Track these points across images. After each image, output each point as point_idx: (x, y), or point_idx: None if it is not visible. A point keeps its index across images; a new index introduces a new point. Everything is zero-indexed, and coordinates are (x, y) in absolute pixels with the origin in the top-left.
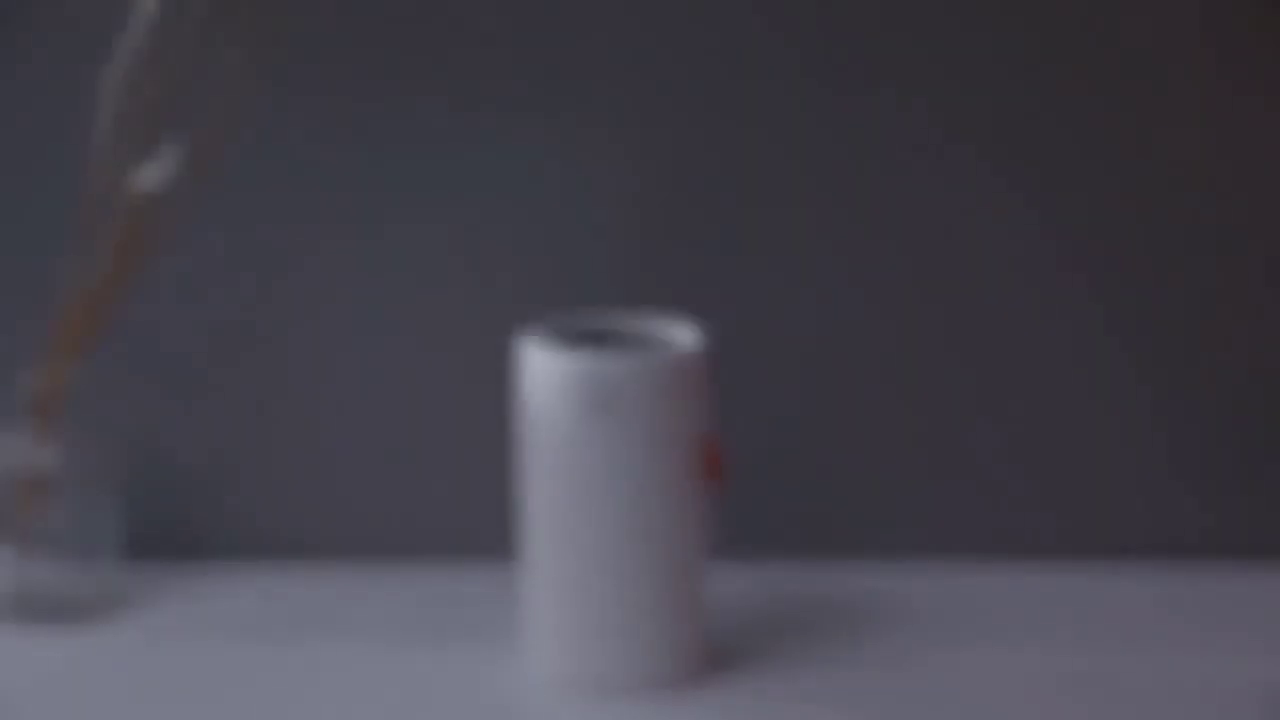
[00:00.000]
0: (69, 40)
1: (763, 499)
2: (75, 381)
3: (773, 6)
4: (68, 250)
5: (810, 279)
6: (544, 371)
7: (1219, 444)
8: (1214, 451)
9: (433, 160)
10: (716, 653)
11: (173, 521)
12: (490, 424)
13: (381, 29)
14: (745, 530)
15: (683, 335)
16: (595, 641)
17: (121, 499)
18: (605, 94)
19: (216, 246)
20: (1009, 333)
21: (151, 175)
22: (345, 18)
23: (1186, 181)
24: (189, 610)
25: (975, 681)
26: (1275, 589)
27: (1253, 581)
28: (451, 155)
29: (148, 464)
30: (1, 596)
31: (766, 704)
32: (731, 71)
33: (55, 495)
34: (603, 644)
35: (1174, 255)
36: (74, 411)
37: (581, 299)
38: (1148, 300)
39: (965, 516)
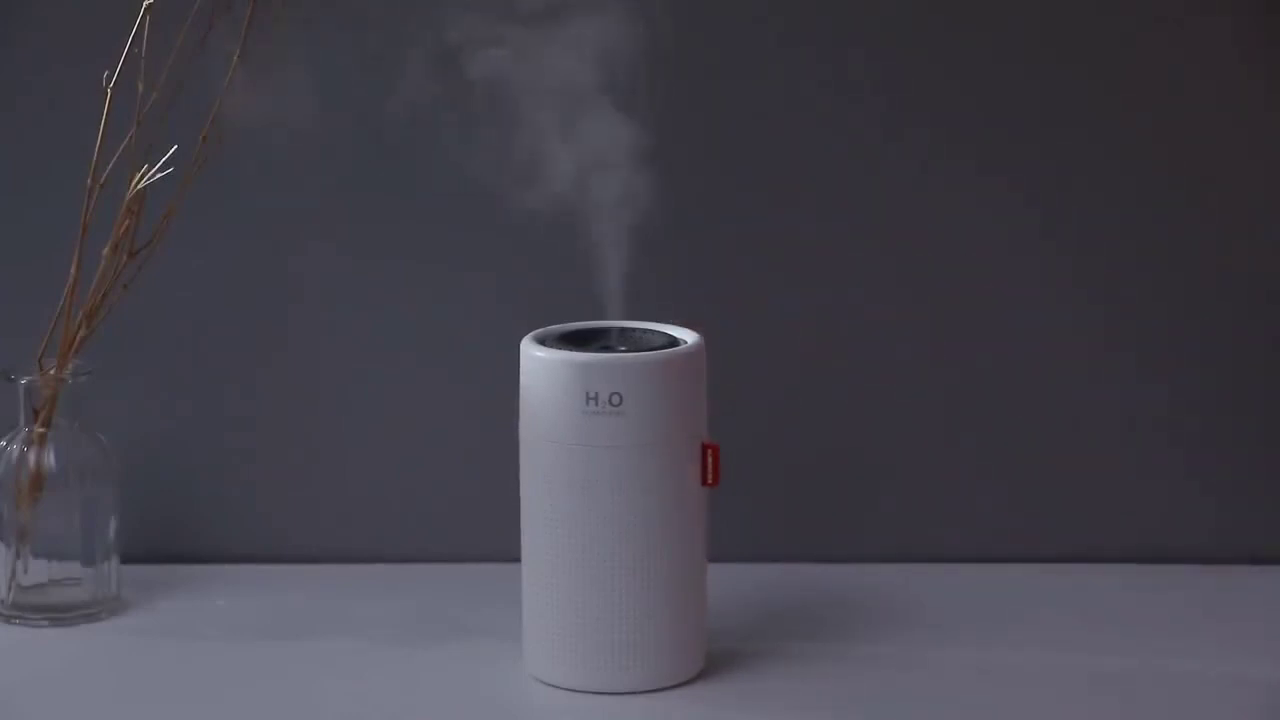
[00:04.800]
0: (69, 40)
1: (762, 500)
2: (75, 381)
3: (775, 23)
4: (68, 250)
5: (809, 286)
6: (545, 371)
7: (1220, 446)
8: (1214, 453)
9: (438, 161)
10: (716, 653)
11: (172, 522)
12: (490, 425)
13: (387, 33)
14: (745, 531)
15: (682, 337)
16: (594, 641)
17: (121, 499)
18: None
19: (216, 246)
20: (1007, 335)
21: (151, 175)
22: (349, 19)
23: (1190, 183)
24: (188, 610)
25: (975, 681)
26: (1274, 589)
27: (1253, 582)
28: (457, 159)
29: (147, 464)
30: (1, 596)
31: (766, 704)
32: (733, 84)
33: (55, 495)
34: (602, 644)
35: (1176, 256)
36: (74, 411)
37: (583, 304)
38: (1150, 302)
39: (965, 517)
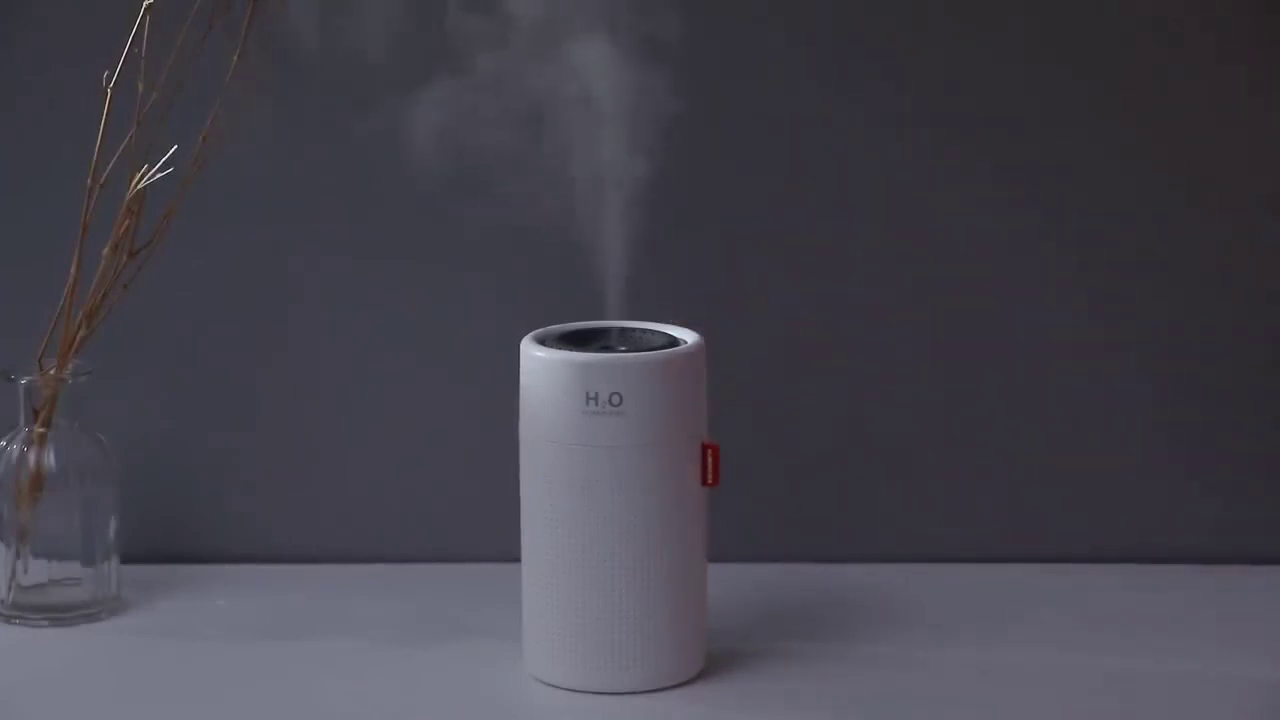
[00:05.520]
0: (69, 40)
1: (762, 500)
2: (75, 381)
3: (775, 23)
4: (68, 250)
5: (809, 286)
6: (545, 371)
7: (1220, 446)
8: (1214, 453)
9: (438, 161)
10: (716, 653)
11: (172, 522)
12: (490, 425)
13: (389, 35)
14: (745, 531)
15: (682, 337)
16: (595, 641)
17: (121, 499)
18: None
19: (216, 246)
20: (1007, 335)
21: (151, 175)
22: (349, 18)
23: (1190, 183)
24: (188, 610)
25: (975, 681)
26: (1274, 589)
27: (1253, 582)
28: (458, 158)
29: (147, 464)
30: (1, 596)
31: (766, 704)
32: (734, 84)
33: (55, 495)
34: (602, 644)
35: (1176, 256)
36: (74, 411)
37: (583, 304)
38: (1149, 302)
39: (965, 517)
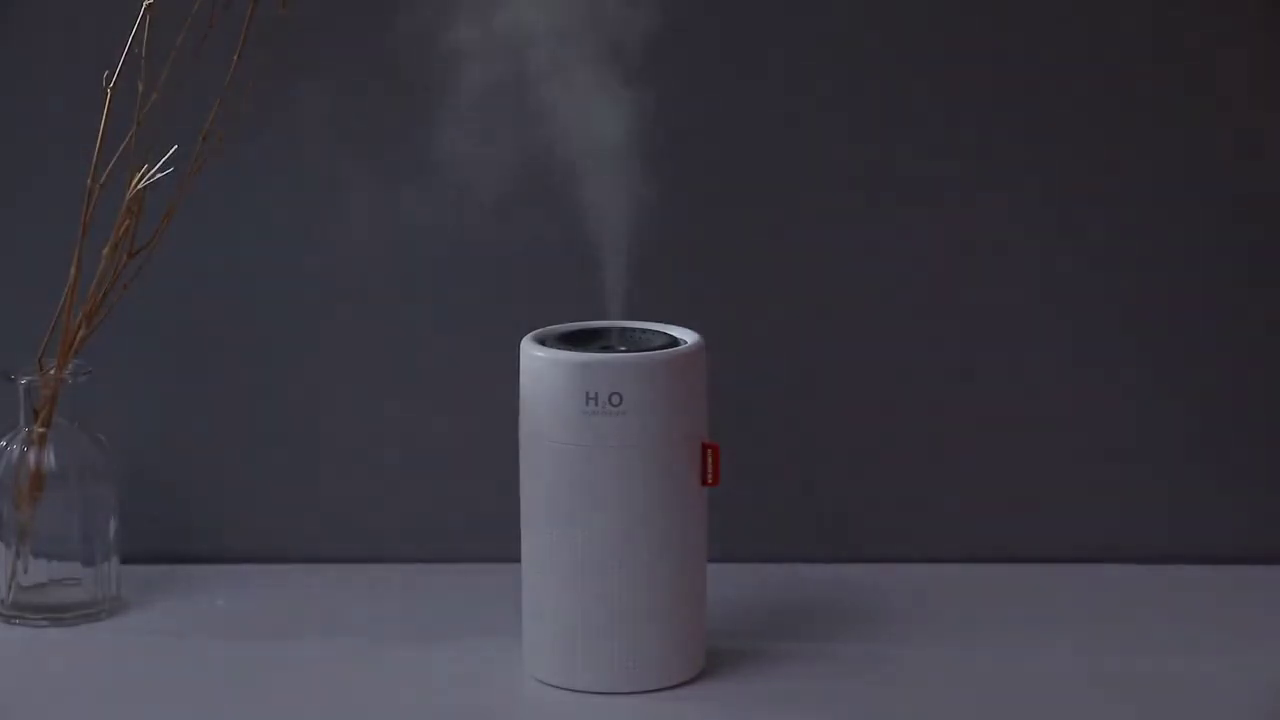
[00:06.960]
0: (69, 40)
1: (762, 500)
2: (75, 381)
3: (776, 24)
4: (68, 250)
5: (809, 286)
6: (545, 371)
7: (1222, 446)
8: (1216, 453)
9: (439, 160)
10: (716, 653)
11: (172, 522)
12: (489, 425)
13: (390, 34)
14: (745, 531)
15: (682, 337)
16: (595, 641)
17: (121, 499)
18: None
19: (216, 246)
20: (1008, 335)
21: (151, 175)
22: (351, 16)
23: (1192, 183)
24: (188, 610)
25: (976, 681)
26: (1275, 589)
27: (1256, 582)
28: (458, 157)
29: (147, 464)
30: (1, 596)
31: (766, 704)
32: (734, 84)
33: (55, 495)
34: (602, 644)
35: (1178, 256)
36: (74, 411)
37: (583, 304)
38: (1152, 302)
39: (965, 518)
